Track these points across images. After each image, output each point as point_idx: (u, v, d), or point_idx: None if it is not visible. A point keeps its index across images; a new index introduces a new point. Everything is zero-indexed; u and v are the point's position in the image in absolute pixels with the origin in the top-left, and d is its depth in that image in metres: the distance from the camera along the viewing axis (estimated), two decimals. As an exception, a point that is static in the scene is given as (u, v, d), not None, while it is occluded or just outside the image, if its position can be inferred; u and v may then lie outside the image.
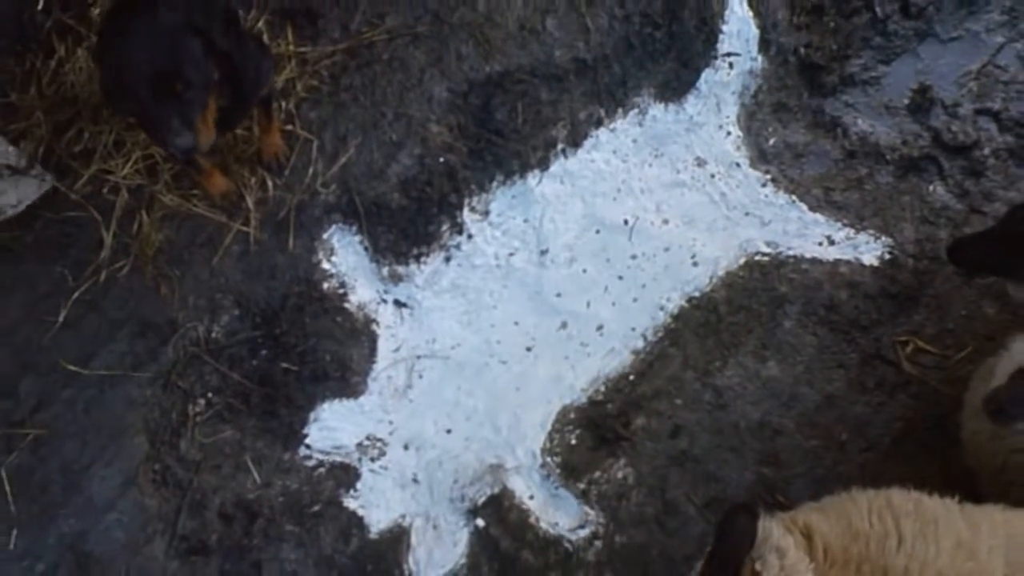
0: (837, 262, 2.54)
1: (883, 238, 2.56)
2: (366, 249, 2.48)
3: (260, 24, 2.56)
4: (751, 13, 2.68)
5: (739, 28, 2.67)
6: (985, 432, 1.92)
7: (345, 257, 2.47)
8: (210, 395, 2.38)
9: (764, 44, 2.68)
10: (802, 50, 2.71)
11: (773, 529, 1.50)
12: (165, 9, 1.89)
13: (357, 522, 2.36)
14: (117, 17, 1.96)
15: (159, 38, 1.85)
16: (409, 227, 2.51)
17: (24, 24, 2.69)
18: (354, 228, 2.47)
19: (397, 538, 2.35)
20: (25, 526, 2.27)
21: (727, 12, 2.67)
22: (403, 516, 2.37)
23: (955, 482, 2.12)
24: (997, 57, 2.81)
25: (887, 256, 2.54)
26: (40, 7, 2.69)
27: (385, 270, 2.50)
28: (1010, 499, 1.93)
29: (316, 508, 2.36)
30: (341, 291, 2.47)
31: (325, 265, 2.46)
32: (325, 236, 2.46)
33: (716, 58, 2.67)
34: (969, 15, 2.84)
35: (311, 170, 2.46)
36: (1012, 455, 1.87)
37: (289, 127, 2.45)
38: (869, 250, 2.55)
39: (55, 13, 2.67)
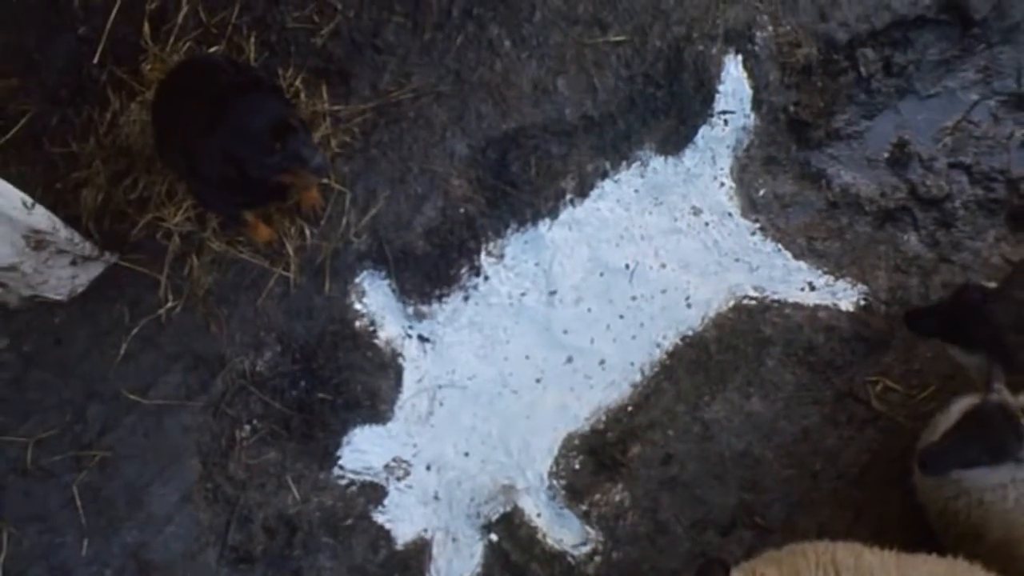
0: (816, 307, 2.84)
1: (859, 285, 2.85)
2: (393, 291, 2.78)
3: (297, 82, 2.84)
4: (745, 74, 2.94)
5: (734, 88, 2.93)
6: (929, 479, 2.23)
7: (375, 298, 2.77)
8: (255, 421, 2.69)
9: (757, 103, 2.95)
10: (791, 108, 2.98)
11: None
12: (254, 84, 2.20)
13: (385, 535, 2.69)
14: (212, 101, 2.22)
15: (261, 102, 2.14)
16: (432, 271, 2.81)
17: (82, 76, 2.97)
18: (383, 273, 2.77)
19: (420, 550, 2.68)
20: (94, 536, 2.61)
21: (723, 73, 2.93)
22: (425, 530, 2.70)
23: (915, 509, 2.45)
24: (971, 113, 3.08)
25: (862, 303, 2.84)
26: (96, 60, 2.98)
27: (410, 309, 2.80)
28: (949, 537, 2.26)
29: (349, 522, 2.69)
30: (371, 328, 2.77)
31: (357, 306, 2.76)
32: (357, 280, 2.76)
33: (712, 115, 2.94)
34: (947, 73, 3.10)
35: (344, 220, 2.75)
36: (949, 501, 2.19)
37: (325, 181, 2.74)
38: (846, 296, 2.85)
39: (109, 66, 2.95)
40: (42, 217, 2.35)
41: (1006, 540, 2.12)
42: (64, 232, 2.44)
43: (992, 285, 2.26)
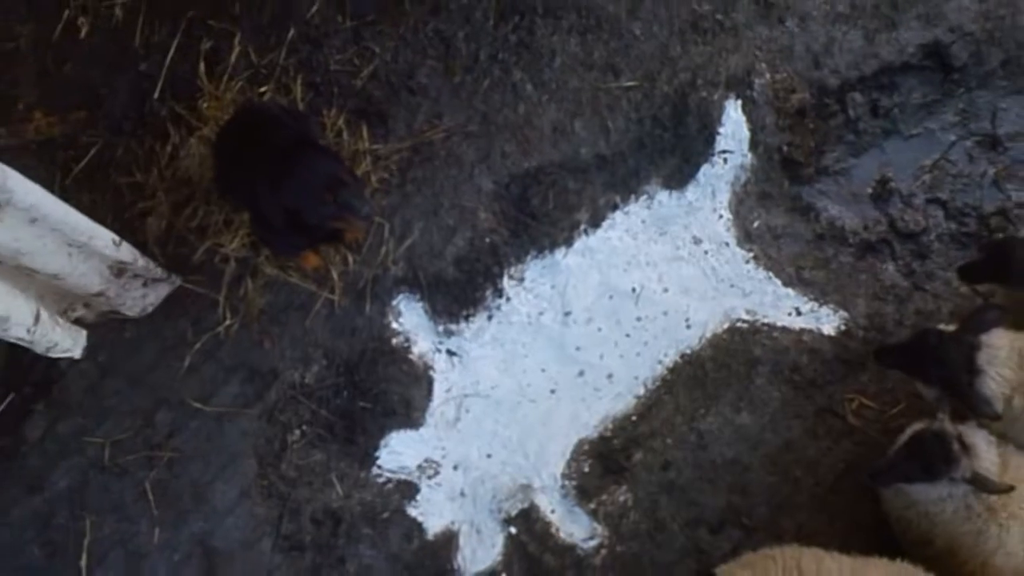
0: (802, 331, 3.21)
1: (840, 312, 3.22)
2: (426, 311, 3.15)
3: (340, 122, 3.19)
4: (744, 118, 3.28)
5: (733, 130, 3.28)
6: (888, 490, 2.63)
7: (409, 318, 3.15)
8: (304, 427, 3.09)
9: (754, 143, 3.30)
10: (785, 148, 3.32)
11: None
12: (312, 144, 2.56)
13: (417, 527, 3.09)
14: (275, 158, 2.56)
15: (318, 161, 2.50)
16: (460, 293, 3.18)
17: (144, 110, 3.31)
18: (417, 295, 3.14)
19: (448, 540, 3.08)
20: (164, 525, 3.01)
21: (724, 117, 3.27)
22: (453, 523, 3.10)
23: (881, 514, 2.85)
24: (949, 153, 3.43)
25: (842, 328, 3.21)
26: (156, 96, 3.32)
27: (440, 327, 3.17)
28: (905, 541, 2.67)
29: (386, 515, 3.09)
30: (406, 345, 3.15)
31: (394, 325, 3.14)
32: (394, 302, 3.13)
33: (713, 155, 3.29)
34: (928, 115, 3.45)
35: (383, 249, 3.11)
36: (903, 510, 2.59)
37: (366, 215, 3.09)
38: (828, 321, 3.22)
39: (169, 102, 3.29)
40: (127, 251, 2.71)
41: (949, 546, 2.52)
42: (141, 261, 2.81)
43: (950, 328, 2.64)
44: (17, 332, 2.40)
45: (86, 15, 3.33)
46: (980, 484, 2.37)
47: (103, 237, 2.57)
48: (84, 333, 2.77)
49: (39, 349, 2.61)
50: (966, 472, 2.39)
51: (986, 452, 2.44)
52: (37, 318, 2.43)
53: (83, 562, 2.98)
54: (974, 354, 2.50)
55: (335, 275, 3.09)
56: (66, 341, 2.65)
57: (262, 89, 3.22)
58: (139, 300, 2.97)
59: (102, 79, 3.32)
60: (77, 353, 2.75)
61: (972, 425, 2.52)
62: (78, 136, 3.26)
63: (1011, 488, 2.38)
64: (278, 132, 2.65)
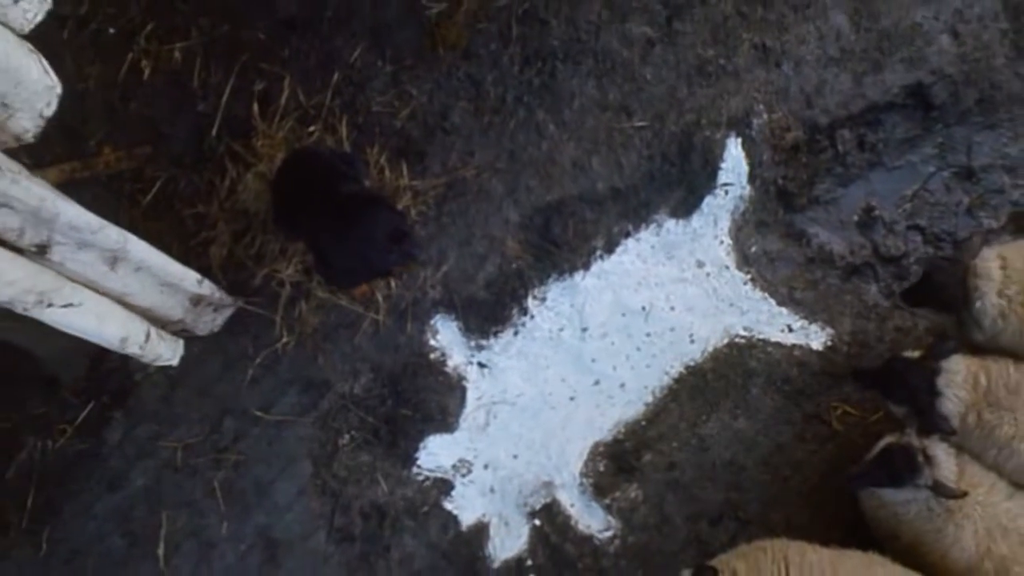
0: (793, 346, 3.68)
1: (827, 329, 3.69)
2: (460, 329, 3.62)
3: (382, 160, 3.62)
4: (743, 154, 3.72)
5: (734, 165, 3.72)
6: (863, 491, 3.12)
7: (445, 335, 3.61)
8: (352, 432, 3.56)
9: (752, 177, 3.74)
10: (780, 180, 3.76)
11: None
12: (373, 199, 3.01)
13: (453, 519, 3.58)
14: (340, 210, 2.98)
15: (381, 215, 2.93)
16: (490, 313, 3.63)
17: (203, 147, 3.74)
18: (452, 315, 3.60)
19: (480, 531, 3.57)
20: (231, 519, 3.49)
21: (725, 153, 3.71)
22: (484, 515, 3.59)
23: (859, 511, 3.33)
24: (928, 183, 3.88)
25: (829, 343, 3.68)
26: (214, 133, 3.74)
27: (472, 343, 3.64)
28: (878, 535, 3.16)
29: (425, 509, 3.58)
30: (442, 359, 3.62)
31: (431, 341, 3.60)
32: (432, 321, 3.59)
33: (716, 187, 3.73)
34: (910, 149, 3.88)
35: (422, 275, 3.56)
36: (876, 509, 3.08)
37: (409, 248, 3.54)
38: (817, 338, 3.69)
39: (225, 139, 3.71)
40: (207, 287, 3.16)
41: (914, 540, 3.01)
42: (217, 293, 3.26)
43: (916, 355, 3.11)
44: (132, 349, 2.85)
45: (148, 58, 3.73)
46: (939, 491, 2.86)
47: (190, 278, 3.01)
48: (181, 343, 3.20)
49: (147, 360, 3.05)
50: (928, 480, 2.87)
51: (945, 463, 2.92)
52: (148, 336, 2.88)
53: (160, 551, 3.47)
54: (934, 378, 2.98)
55: (380, 298, 3.55)
56: (168, 352, 3.10)
57: (310, 128, 3.64)
58: (209, 322, 3.42)
59: (164, 117, 3.73)
60: (176, 361, 3.19)
61: (935, 439, 3.01)
62: (143, 170, 3.68)
63: (965, 494, 2.87)
64: (340, 183, 3.08)
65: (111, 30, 3.76)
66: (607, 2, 3.71)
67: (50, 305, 2.28)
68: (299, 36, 3.72)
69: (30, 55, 2.12)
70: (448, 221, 3.60)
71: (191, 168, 3.70)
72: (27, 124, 2.15)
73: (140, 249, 2.64)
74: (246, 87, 3.71)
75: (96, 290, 2.57)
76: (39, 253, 2.27)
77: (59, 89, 2.24)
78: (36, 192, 2.12)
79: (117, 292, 2.67)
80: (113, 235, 2.49)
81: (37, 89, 2.13)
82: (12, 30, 2.06)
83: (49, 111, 2.21)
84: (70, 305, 2.37)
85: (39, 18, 2.12)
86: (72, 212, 2.29)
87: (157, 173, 3.68)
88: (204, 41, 3.74)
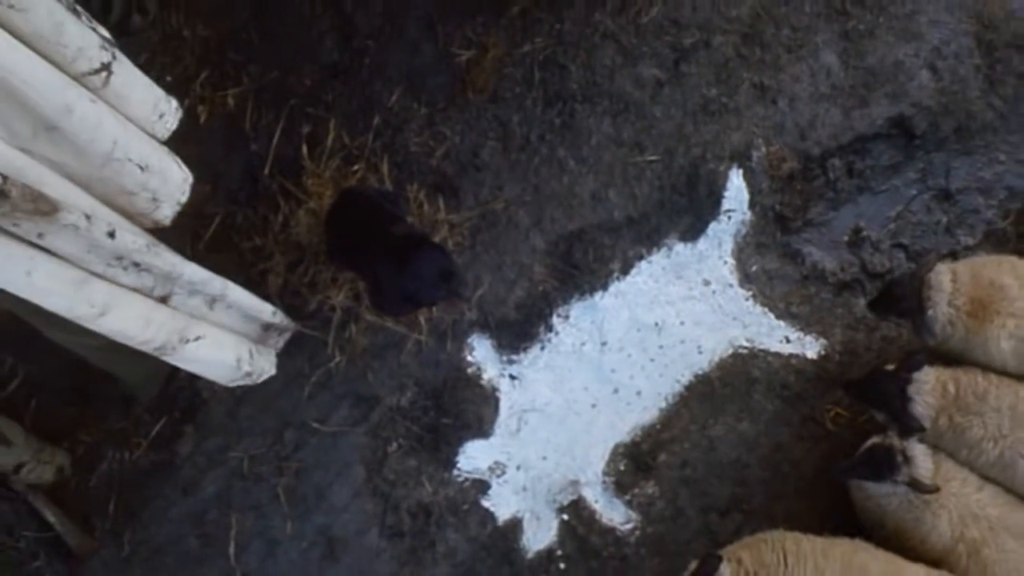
0: (790, 355, 4.27)
1: (821, 339, 4.27)
2: (493, 346, 4.18)
3: (421, 196, 4.16)
4: (744, 183, 4.28)
5: (736, 194, 4.28)
6: (853, 483, 3.72)
7: (480, 352, 4.18)
8: (400, 440, 4.13)
9: (752, 203, 4.30)
10: (777, 206, 4.33)
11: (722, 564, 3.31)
12: (423, 240, 3.55)
13: (490, 516, 4.15)
14: (394, 248, 3.52)
15: (432, 255, 3.47)
16: (520, 331, 4.20)
17: (257, 184, 4.27)
18: (487, 334, 4.16)
19: (514, 525, 4.15)
20: (294, 520, 4.06)
21: (728, 183, 4.27)
22: (517, 511, 4.17)
23: (850, 502, 3.92)
24: (910, 205, 4.45)
25: (822, 352, 4.26)
26: (266, 172, 4.27)
27: (504, 358, 4.21)
28: (866, 523, 3.76)
29: (465, 507, 4.15)
30: (477, 373, 4.18)
31: (468, 358, 4.17)
32: (468, 340, 4.15)
33: (720, 213, 4.29)
34: (894, 174, 4.45)
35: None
36: (864, 500, 3.68)
37: (447, 274, 4.09)
38: (811, 347, 4.27)
39: (277, 178, 4.25)
40: (279, 316, 3.71)
41: (896, 528, 3.60)
42: (285, 321, 3.81)
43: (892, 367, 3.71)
44: (245, 368, 3.39)
45: (204, 103, 4.26)
46: (915, 486, 3.46)
47: (267, 310, 3.56)
48: (274, 355, 3.73)
49: (255, 376, 3.57)
50: (906, 477, 3.47)
51: (922, 461, 3.52)
52: (252, 354, 3.43)
53: (231, 549, 4.04)
54: (905, 386, 3.58)
55: (422, 321, 4.11)
56: (268, 365, 3.63)
57: (355, 167, 4.18)
58: (273, 344, 3.97)
59: (220, 158, 4.26)
60: (274, 371, 3.70)
61: (914, 440, 3.60)
62: (203, 207, 4.21)
63: (938, 489, 3.47)
64: (391, 223, 3.63)
65: (168, 78, 4.27)
66: (620, 47, 4.26)
67: (186, 341, 2.82)
68: (341, 82, 4.25)
69: (171, 156, 2.66)
70: (481, 250, 4.15)
71: (247, 204, 4.23)
72: (167, 212, 2.69)
73: (236, 293, 3.18)
74: (294, 129, 4.24)
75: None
76: (162, 302, 2.81)
77: (191, 179, 2.78)
78: (168, 259, 2.66)
79: (216, 325, 3.23)
80: (218, 284, 3.03)
81: (177, 183, 2.66)
82: (157, 139, 2.59)
83: (184, 198, 2.74)
84: (199, 339, 2.91)
85: (175, 126, 2.64)
86: (190, 270, 2.83)
87: (215, 210, 4.22)
88: (255, 87, 4.26)
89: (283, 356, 4.10)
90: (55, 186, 2.25)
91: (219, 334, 3.15)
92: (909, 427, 3.58)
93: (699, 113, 4.28)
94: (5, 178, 2.03)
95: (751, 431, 4.19)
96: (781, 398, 4.22)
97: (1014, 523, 3.56)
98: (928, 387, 3.58)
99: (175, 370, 4.08)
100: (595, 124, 4.25)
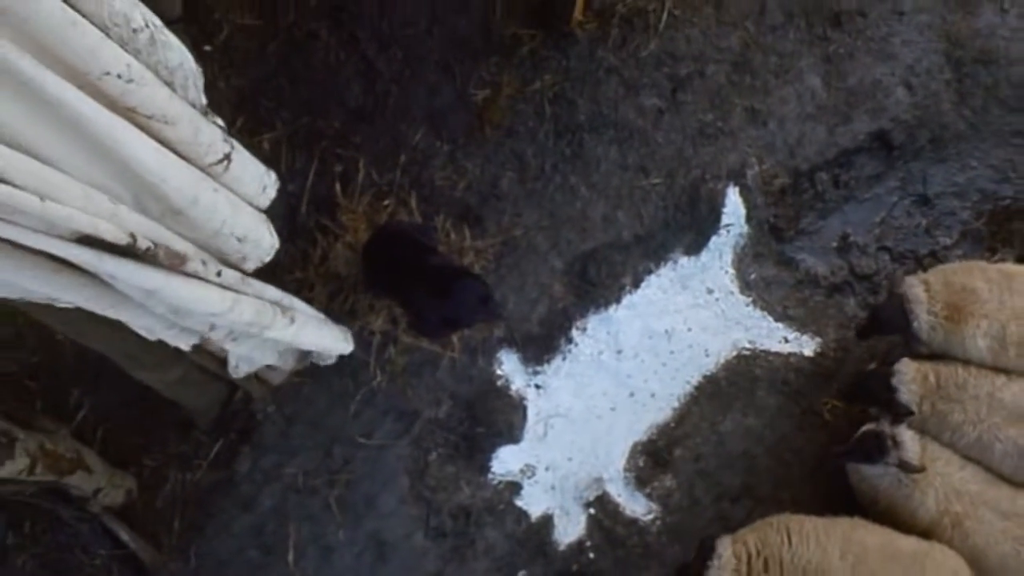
0: (789, 354, 4.96)
1: (816, 338, 4.97)
2: (520, 359, 4.85)
3: (447, 225, 4.82)
4: (741, 200, 4.96)
5: (733, 209, 4.96)
6: (850, 466, 4.42)
7: (508, 365, 4.85)
8: (439, 449, 4.80)
9: (749, 217, 4.98)
10: (772, 218, 5.02)
11: (721, 543, 4.01)
12: (462, 271, 4.21)
13: (524, 513, 4.83)
14: (434, 279, 4.19)
15: (471, 284, 4.12)
16: (543, 344, 4.87)
17: (295, 222, 4.90)
18: (513, 349, 4.83)
19: (546, 521, 4.83)
20: (346, 527, 4.72)
21: (726, 200, 4.95)
22: (548, 508, 4.85)
23: (848, 484, 4.63)
24: (892, 211, 5.15)
25: (818, 350, 4.96)
26: (303, 210, 4.90)
27: (530, 369, 4.88)
28: (863, 502, 4.47)
29: (501, 507, 4.83)
30: (506, 384, 4.85)
31: (498, 371, 4.84)
32: (497, 355, 4.82)
33: (720, 228, 4.97)
34: (876, 183, 5.15)
35: (487, 318, 4.79)
36: (860, 481, 4.38)
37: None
38: (808, 346, 4.97)
39: (313, 215, 4.89)
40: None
41: (889, 505, 4.30)
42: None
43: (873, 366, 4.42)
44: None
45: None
46: (904, 467, 4.16)
47: (336, 344, 4.22)
48: (349, 333, 4.31)
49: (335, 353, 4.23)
50: (895, 460, 4.17)
51: (910, 445, 4.21)
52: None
53: (290, 557, 4.70)
54: (889, 379, 4.28)
55: (455, 340, 4.77)
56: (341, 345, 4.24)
57: (385, 202, 4.83)
58: (327, 359, 4.60)
59: (258, 198, 4.89)
60: (351, 347, 4.29)
61: (903, 427, 4.31)
62: (248, 244, 4.84)
63: (924, 468, 4.18)
64: (428, 256, 4.29)
65: (206, 126, 4.89)
66: (622, 80, 4.93)
67: (291, 318, 3.47)
68: (368, 123, 4.89)
69: (266, 224, 3.30)
70: (505, 272, 4.82)
71: (287, 240, 4.83)
72: (250, 266, 3.32)
73: (301, 304, 3.83)
74: (327, 169, 4.88)
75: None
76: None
77: (278, 245, 3.42)
78: (256, 285, 3.34)
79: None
80: (287, 298, 3.69)
81: (266, 248, 3.31)
82: (259, 208, 3.24)
83: (268, 259, 3.39)
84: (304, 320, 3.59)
85: (274, 195, 3.29)
86: (271, 293, 3.49)
87: (259, 248, 4.85)
88: (288, 131, 4.90)
89: (329, 378, 4.76)
90: (180, 243, 2.91)
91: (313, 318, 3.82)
92: (900, 413, 4.28)
93: (697, 137, 4.96)
94: (155, 244, 2.69)
95: (757, 425, 4.89)
96: (782, 394, 4.92)
97: (991, 497, 4.28)
98: (909, 376, 4.27)
99: (231, 396, 4.74)
100: (603, 152, 4.91)
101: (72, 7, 2.35)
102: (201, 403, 4.58)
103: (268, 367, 4.38)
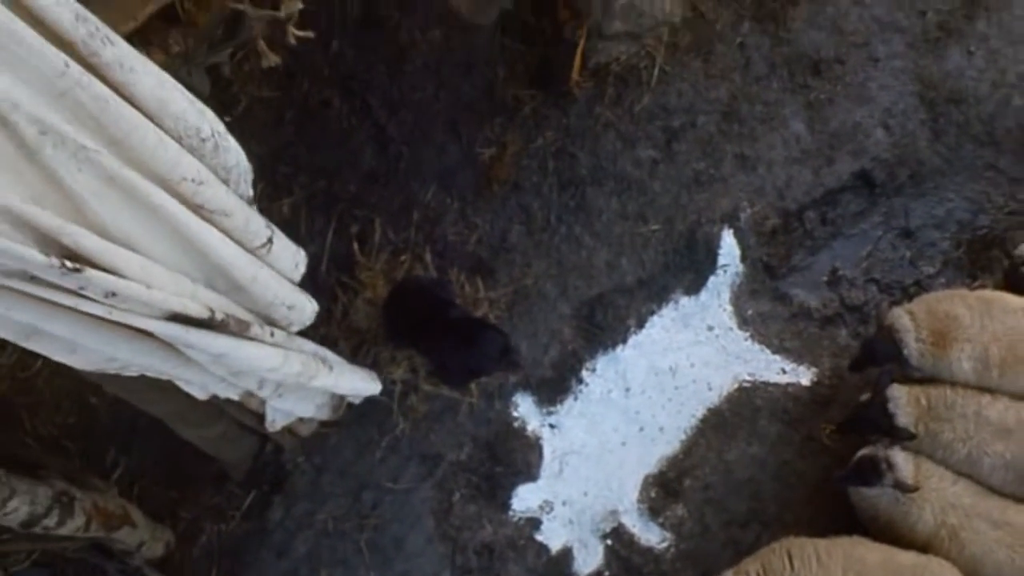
0: (788, 384, 5.47)
1: (812, 368, 5.48)
2: (534, 401, 5.34)
3: (461, 278, 5.32)
4: (735, 241, 5.49)
5: (729, 250, 5.49)
6: (850, 488, 4.92)
7: (524, 407, 5.33)
8: (462, 490, 5.27)
9: (743, 257, 5.51)
10: (765, 257, 5.55)
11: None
12: (482, 323, 4.70)
13: (544, 548, 5.29)
14: (455, 329, 4.69)
15: (492, 335, 4.62)
16: (555, 386, 5.36)
17: (316, 280, 5.39)
18: (528, 392, 5.32)
19: (566, 554, 5.30)
20: (376, 569, 5.17)
21: (721, 242, 5.48)
22: (567, 542, 5.32)
23: (850, 505, 5.12)
24: (878, 244, 5.69)
25: (814, 379, 5.47)
26: (323, 269, 5.40)
27: (544, 410, 5.37)
28: (863, 521, 4.96)
29: (522, 542, 5.29)
30: (522, 425, 5.34)
31: (514, 413, 5.32)
32: (513, 398, 5.30)
33: (716, 268, 5.50)
34: (861, 219, 5.68)
35: (502, 364, 5.29)
36: (860, 501, 4.86)
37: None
38: (804, 376, 5.48)
39: (333, 273, 5.38)
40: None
41: (889, 521, 4.76)
42: (358, 399, 4.95)
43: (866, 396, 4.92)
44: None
45: (262, 214, 5.37)
46: (899, 487, 4.66)
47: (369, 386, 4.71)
48: (375, 373, 4.75)
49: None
50: (890, 480, 4.67)
51: (903, 466, 4.70)
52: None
53: (325, 598, 5.17)
54: (885, 405, 4.78)
55: (473, 386, 5.27)
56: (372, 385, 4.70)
57: (402, 259, 5.33)
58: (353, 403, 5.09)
59: (280, 259, 5.38)
60: (379, 386, 4.71)
61: (896, 448, 4.81)
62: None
63: (917, 488, 4.67)
64: (448, 310, 4.78)
65: (228, 192, 5.40)
66: (619, 134, 5.47)
67: (329, 366, 3.96)
68: (382, 185, 5.41)
69: (304, 295, 3.80)
70: (518, 320, 5.33)
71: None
72: (295, 329, 3.82)
73: (332, 356, 4.32)
74: (344, 229, 5.39)
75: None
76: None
77: (318, 310, 3.92)
78: (299, 342, 3.84)
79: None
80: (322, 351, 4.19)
81: (308, 313, 3.81)
82: (294, 282, 3.75)
83: (310, 322, 3.89)
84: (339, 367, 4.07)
85: (304, 271, 3.79)
86: (309, 346, 3.99)
87: (282, 304, 5.33)
88: (306, 195, 5.40)
89: (355, 427, 5.24)
90: (243, 313, 3.41)
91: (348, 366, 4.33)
92: (901, 437, 4.77)
93: (692, 184, 5.50)
94: (227, 315, 3.20)
95: (760, 452, 5.39)
96: (783, 422, 5.42)
97: (984, 509, 4.76)
98: (903, 400, 4.77)
99: (262, 448, 5.21)
100: (604, 202, 5.44)
101: (159, 126, 2.86)
102: (236, 456, 5.04)
103: (299, 420, 4.86)
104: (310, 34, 3.96)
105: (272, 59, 4.11)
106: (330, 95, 5.43)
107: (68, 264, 2.46)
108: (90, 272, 2.53)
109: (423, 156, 5.43)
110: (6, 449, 4.60)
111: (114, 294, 2.68)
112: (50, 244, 2.47)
